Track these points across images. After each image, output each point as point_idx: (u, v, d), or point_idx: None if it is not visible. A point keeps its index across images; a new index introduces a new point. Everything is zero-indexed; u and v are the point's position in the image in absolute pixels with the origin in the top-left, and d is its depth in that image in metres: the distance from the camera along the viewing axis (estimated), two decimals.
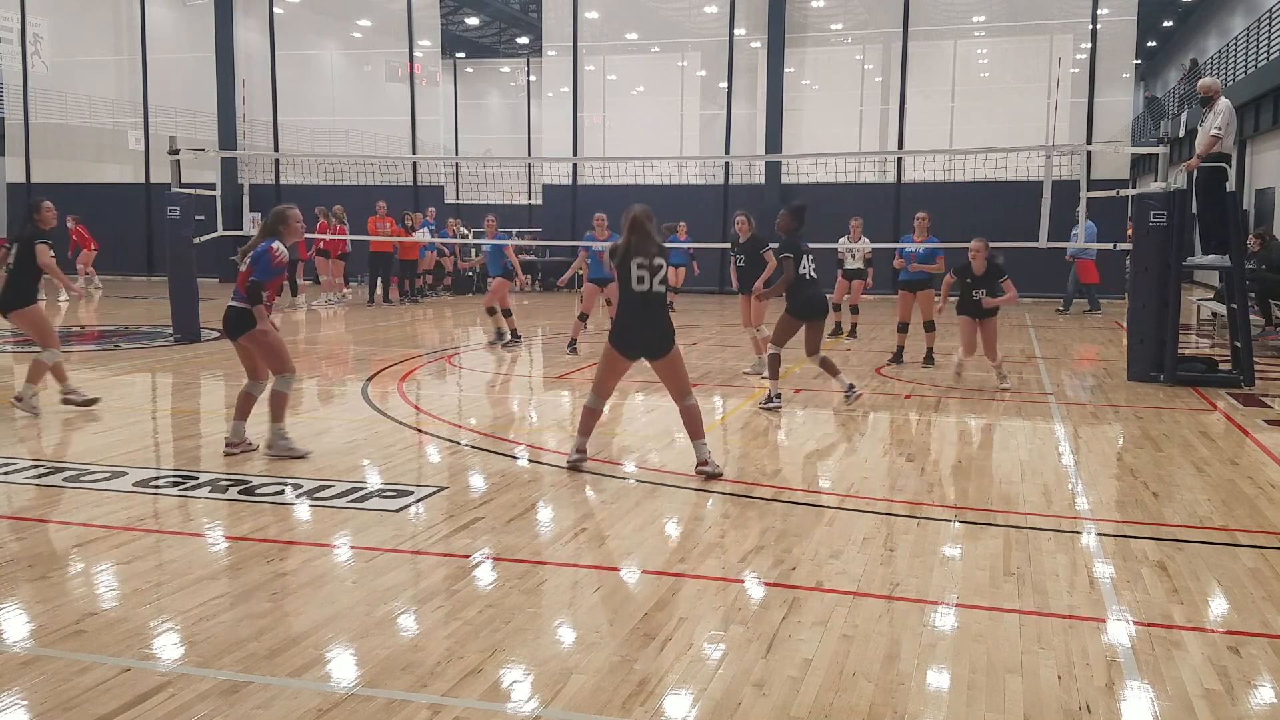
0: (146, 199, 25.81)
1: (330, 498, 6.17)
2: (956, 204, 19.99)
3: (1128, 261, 12.69)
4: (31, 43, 26.92)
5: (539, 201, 26.65)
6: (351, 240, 20.14)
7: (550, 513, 5.99)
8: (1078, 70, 23.19)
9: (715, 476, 6.63)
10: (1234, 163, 12.48)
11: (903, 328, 12.26)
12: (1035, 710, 3.57)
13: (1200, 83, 11.22)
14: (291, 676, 3.76)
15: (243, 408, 7.27)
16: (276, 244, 7.04)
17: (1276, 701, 3.69)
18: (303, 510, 5.97)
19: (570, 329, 13.25)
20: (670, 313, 6.91)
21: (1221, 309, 13.40)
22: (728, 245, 12.60)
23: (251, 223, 19.82)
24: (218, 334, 14.03)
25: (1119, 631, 4.26)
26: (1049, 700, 3.64)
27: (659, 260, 6.59)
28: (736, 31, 24.61)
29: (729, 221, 22.91)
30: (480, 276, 24.62)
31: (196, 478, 6.67)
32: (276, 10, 26.59)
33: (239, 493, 6.29)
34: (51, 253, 8.67)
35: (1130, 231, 12.90)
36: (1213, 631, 4.28)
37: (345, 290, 21.53)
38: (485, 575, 4.88)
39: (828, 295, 9.88)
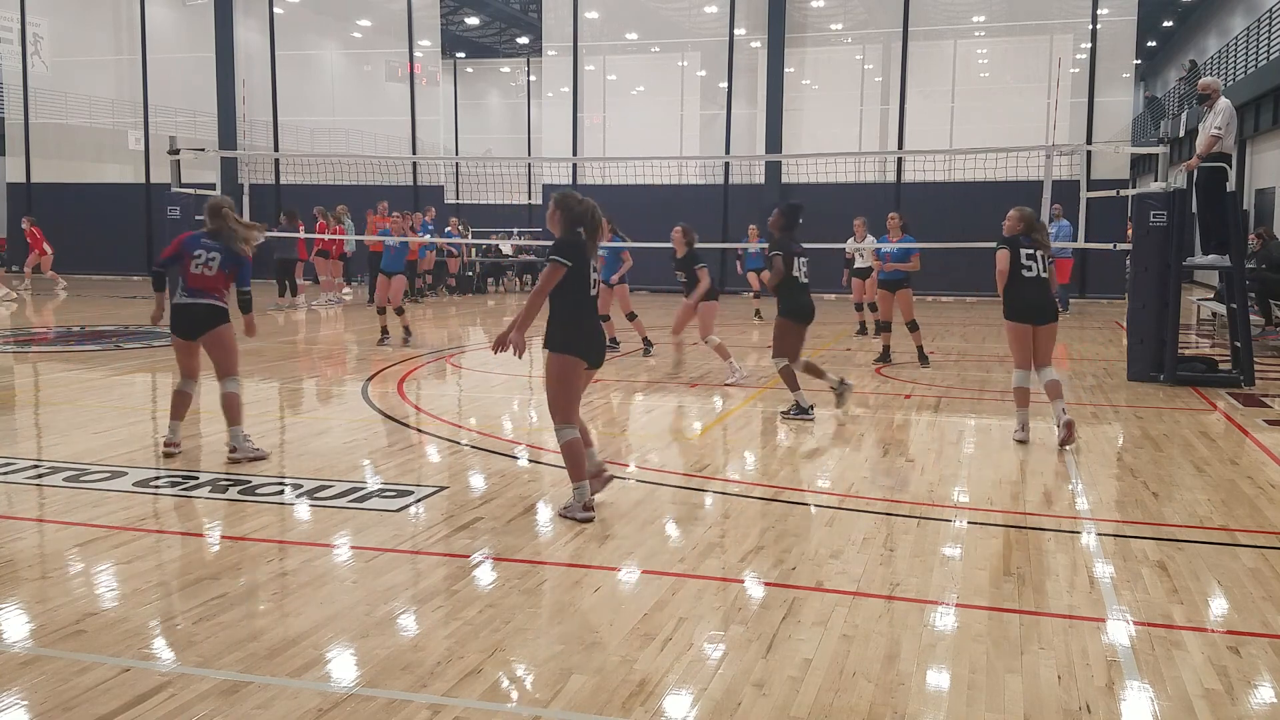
0: (146, 199, 25.81)
1: (330, 498, 6.17)
2: (956, 204, 20.03)
3: (1128, 261, 12.69)
4: (31, 43, 26.92)
5: (539, 201, 26.64)
6: (350, 241, 20.15)
7: (550, 513, 5.99)
8: (1078, 70, 23.19)
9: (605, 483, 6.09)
10: (1234, 163, 12.48)
11: (885, 327, 12.42)
12: (1035, 710, 3.57)
13: (1200, 82, 11.22)
14: (291, 676, 3.76)
15: (181, 408, 7.20)
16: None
17: (1276, 701, 3.68)
18: (303, 510, 5.97)
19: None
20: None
21: (1221, 309, 13.40)
22: (738, 246, 12.51)
23: (281, 219, 19.87)
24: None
25: (1119, 631, 4.26)
26: (1049, 700, 3.64)
27: (598, 263, 6.04)
28: (736, 31, 24.61)
29: (729, 222, 23.07)
30: (480, 276, 24.63)
31: (196, 478, 6.67)
32: (276, 10, 26.59)
33: (239, 493, 6.29)
34: None
35: (1130, 231, 12.90)
36: (1213, 631, 4.28)
37: (345, 290, 21.54)
38: (485, 575, 4.88)
39: (847, 297, 9.79)
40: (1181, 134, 24.83)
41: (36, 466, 6.87)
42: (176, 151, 13.71)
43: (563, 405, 5.80)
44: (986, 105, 24.43)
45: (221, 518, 5.83)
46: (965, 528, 5.73)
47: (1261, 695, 3.72)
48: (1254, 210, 23.30)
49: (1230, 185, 10.74)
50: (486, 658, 3.93)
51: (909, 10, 22.94)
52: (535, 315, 5.73)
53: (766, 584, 4.80)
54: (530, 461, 7.24)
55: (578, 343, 5.77)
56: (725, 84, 24.53)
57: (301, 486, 6.43)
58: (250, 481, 6.54)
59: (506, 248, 24.77)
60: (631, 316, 13.18)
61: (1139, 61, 37.94)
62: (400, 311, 13.79)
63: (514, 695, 3.66)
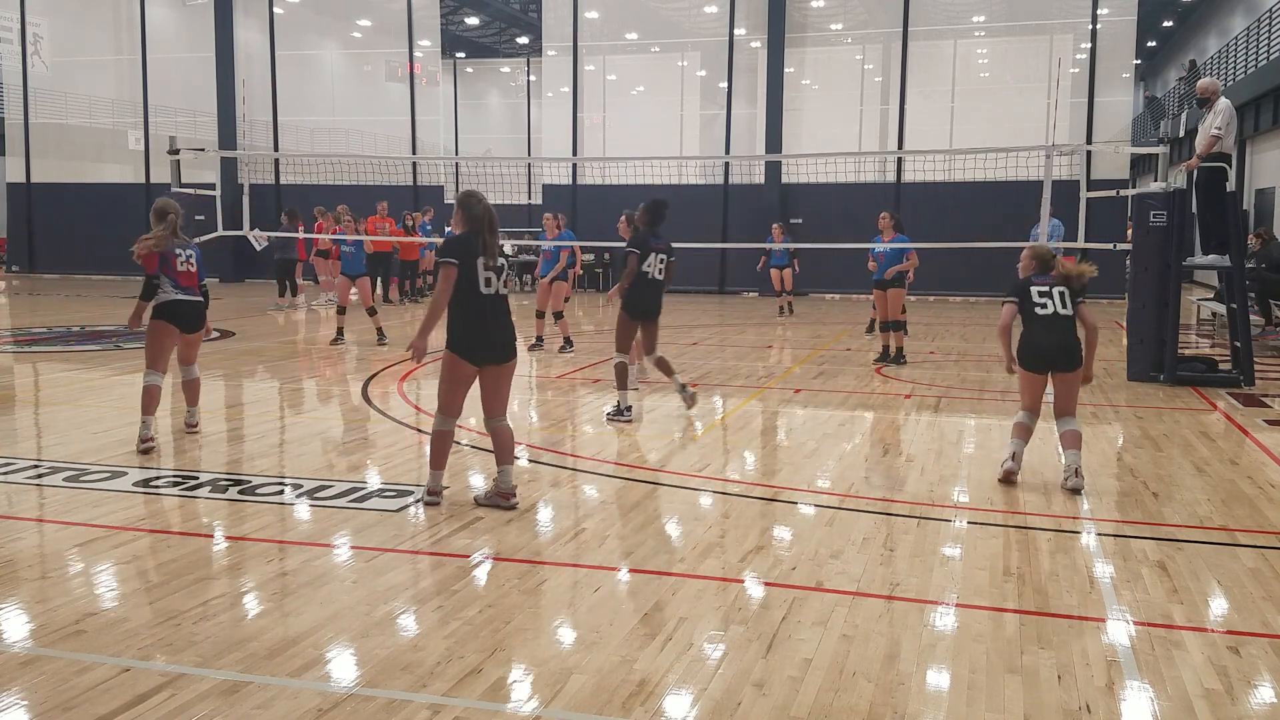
0: (146, 199, 25.73)
1: (330, 498, 6.17)
2: (956, 204, 20.03)
3: (1128, 261, 12.69)
4: (31, 43, 26.91)
5: (539, 201, 26.62)
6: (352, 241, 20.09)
7: (550, 513, 5.99)
8: (1078, 70, 23.18)
9: (512, 509, 5.91)
10: (1234, 163, 12.48)
11: (885, 326, 12.44)
12: (1035, 710, 3.57)
13: (1199, 83, 11.22)
14: (291, 676, 3.76)
15: (156, 402, 7.45)
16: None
17: (1276, 701, 3.69)
18: (303, 510, 5.97)
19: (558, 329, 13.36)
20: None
21: (1221, 309, 13.40)
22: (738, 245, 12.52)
23: (283, 219, 19.88)
24: (218, 334, 14.06)
25: (1119, 631, 4.26)
26: (1049, 700, 3.64)
27: (502, 261, 5.99)
28: (736, 31, 24.60)
29: (729, 221, 23.07)
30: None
31: (196, 478, 6.67)
32: (276, 10, 26.58)
33: (239, 493, 6.29)
34: None
35: (1130, 231, 12.90)
36: (1213, 631, 4.28)
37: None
38: (485, 575, 4.88)
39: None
40: (1181, 134, 24.84)
41: (36, 466, 6.87)
42: (176, 151, 13.70)
43: (442, 398, 5.94)
44: (986, 105, 24.42)
45: (221, 518, 5.83)
46: (965, 528, 5.73)
47: (1261, 695, 3.72)
48: (1254, 210, 23.30)
49: (1230, 185, 10.74)
50: (486, 658, 3.93)
51: (909, 10, 22.94)
52: (437, 319, 5.79)
53: (766, 584, 4.80)
54: (530, 461, 7.24)
55: (461, 342, 5.84)
56: (725, 84, 24.52)
57: (301, 486, 6.43)
58: (250, 481, 6.54)
59: (509, 248, 24.77)
60: (558, 316, 13.11)
61: (1139, 61, 37.94)
62: (372, 312, 13.87)
63: (514, 695, 3.66)
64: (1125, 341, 11.74)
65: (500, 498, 5.95)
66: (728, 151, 24.06)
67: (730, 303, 20.89)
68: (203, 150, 20.85)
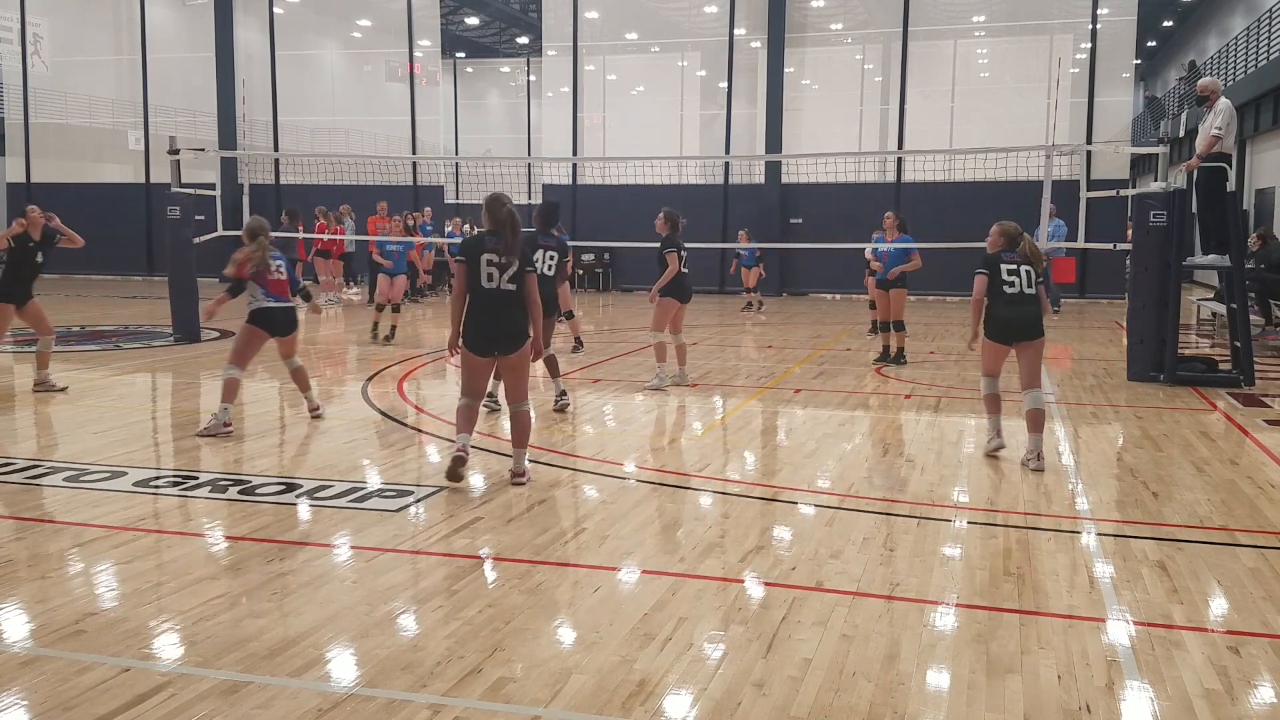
0: (146, 199, 25.80)
1: (330, 498, 6.17)
2: (956, 204, 20.01)
3: (1128, 261, 12.69)
4: (31, 43, 26.91)
5: (539, 201, 26.62)
6: (351, 241, 20.14)
7: (550, 513, 5.99)
8: (1078, 70, 23.18)
9: (519, 485, 6.44)
10: (1234, 163, 12.47)
11: (885, 326, 12.48)
12: (1035, 710, 3.57)
13: (1200, 83, 11.21)
14: (291, 676, 3.76)
15: (233, 392, 8.03)
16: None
17: (1276, 701, 3.69)
18: (303, 510, 5.97)
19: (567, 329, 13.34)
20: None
21: (1221, 309, 13.40)
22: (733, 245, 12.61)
23: (282, 218, 19.88)
24: (217, 334, 14.06)
25: (1119, 631, 4.26)
26: (1049, 700, 3.64)
27: (508, 258, 6.30)
28: (736, 31, 24.60)
29: (729, 221, 23.05)
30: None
31: (196, 478, 6.67)
32: (276, 10, 26.57)
33: (239, 493, 6.29)
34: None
35: (1130, 231, 12.90)
36: (1213, 631, 4.28)
37: (353, 290, 21.54)
38: (485, 575, 4.88)
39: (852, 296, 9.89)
40: (1181, 134, 24.82)
41: (36, 466, 6.87)
42: (176, 151, 13.70)
43: (462, 383, 6.57)
44: (986, 105, 24.41)
45: (221, 518, 5.83)
46: (965, 528, 5.73)
47: (1261, 695, 3.72)
48: (1254, 210, 23.30)
49: (1230, 185, 10.74)
50: (486, 658, 3.93)
51: (909, 10, 22.93)
52: (460, 313, 6.43)
53: (766, 584, 4.80)
54: (530, 461, 7.24)
55: (467, 333, 6.40)
56: (725, 84, 24.51)
57: (301, 486, 6.43)
58: (250, 481, 6.54)
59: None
60: (568, 315, 13.17)
61: (1139, 61, 37.93)
62: (396, 309, 14.04)
63: (514, 695, 3.65)
64: (1125, 341, 11.74)
65: (513, 475, 6.55)
66: (728, 151, 24.05)
67: (730, 303, 20.89)
68: (203, 150, 20.84)
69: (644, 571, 4.95)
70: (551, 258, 9.02)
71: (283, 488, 6.42)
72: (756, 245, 19.24)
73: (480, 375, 6.52)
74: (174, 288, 13.65)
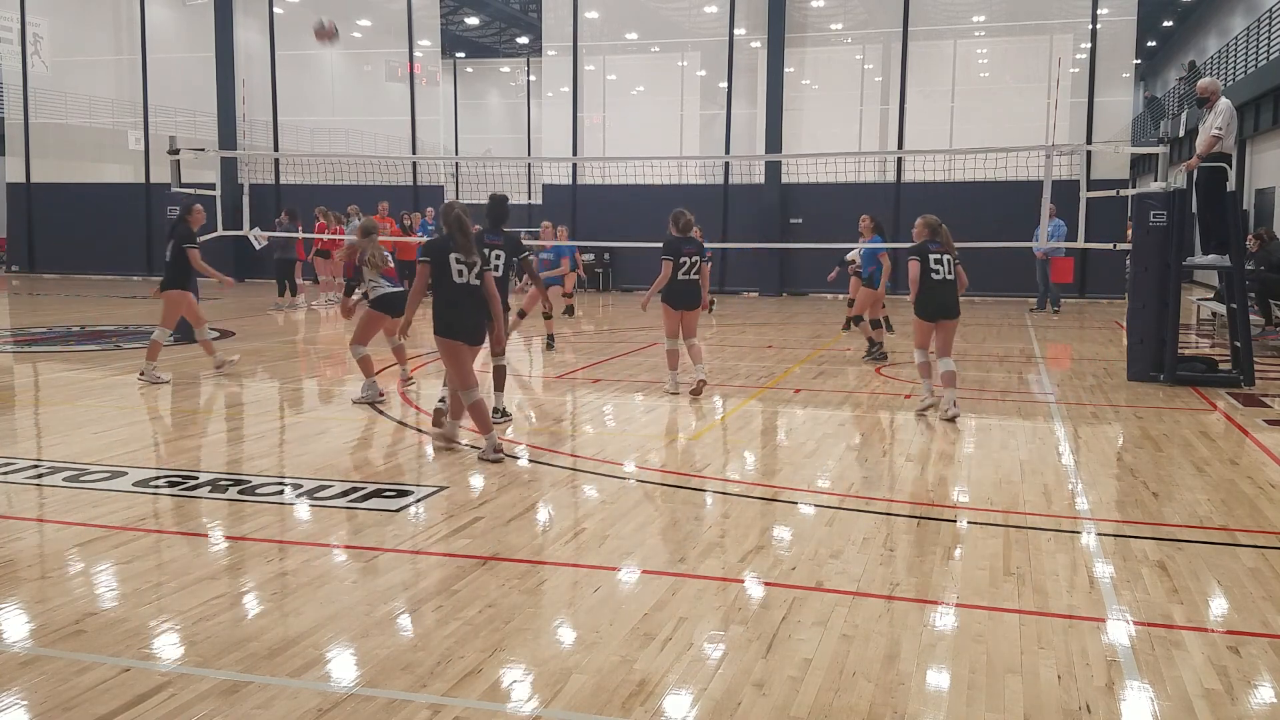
0: (146, 199, 25.79)
1: (330, 498, 6.17)
2: (956, 204, 20.00)
3: (1128, 261, 12.69)
4: (31, 43, 26.90)
5: (539, 201, 26.61)
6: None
7: (550, 513, 5.99)
8: (1077, 70, 23.17)
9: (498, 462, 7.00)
10: (1234, 163, 12.47)
11: (875, 324, 12.71)
12: (1035, 710, 3.57)
13: (1200, 83, 11.21)
14: (291, 676, 3.76)
15: (370, 366, 9.40)
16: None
17: (1276, 701, 3.69)
18: (303, 510, 5.97)
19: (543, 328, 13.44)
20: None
21: (1221, 309, 13.40)
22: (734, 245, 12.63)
23: (281, 218, 19.90)
24: (217, 334, 14.05)
25: (1119, 631, 4.26)
26: (1049, 700, 3.64)
27: (475, 258, 7.05)
28: (736, 31, 24.60)
29: (729, 221, 23.05)
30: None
31: (196, 478, 6.67)
32: (276, 10, 26.56)
33: (239, 493, 6.30)
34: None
35: (1130, 231, 12.90)
36: (1213, 631, 4.28)
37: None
38: (485, 575, 4.88)
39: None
40: (1181, 134, 24.82)
41: (36, 466, 6.87)
42: (176, 151, 13.69)
43: (458, 376, 7.10)
44: (986, 105, 24.40)
45: (221, 518, 5.83)
46: (965, 528, 5.73)
47: (1261, 695, 3.72)
48: (1254, 210, 23.30)
49: (1230, 185, 10.74)
50: (486, 658, 3.93)
51: (909, 10, 22.92)
52: (415, 308, 7.20)
53: (766, 584, 4.80)
54: (530, 461, 7.24)
55: (454, 326, 7.00)
56: (725, 84, 24.51)
57: (301, 486, 6.43)
58: (250, 481, 6.54)
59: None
60: (546, 316, 13.21)
61: (1139, 61, 37.94)
62: (547, 316, 13.52)
63: (514, 695, 3.66)
64: (1125, 341, 11.74)
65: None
66: (728, 151, 24.04)
67: (730, 302, 20.89)
68: (203, 150, 20.81)
69: (644, 571, 4.95)
70: (498, 256, 8.72)
71: (282, 488, 6.42)
72: (709, 244, 18.66)
73: (467, 360, 7.11)
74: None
